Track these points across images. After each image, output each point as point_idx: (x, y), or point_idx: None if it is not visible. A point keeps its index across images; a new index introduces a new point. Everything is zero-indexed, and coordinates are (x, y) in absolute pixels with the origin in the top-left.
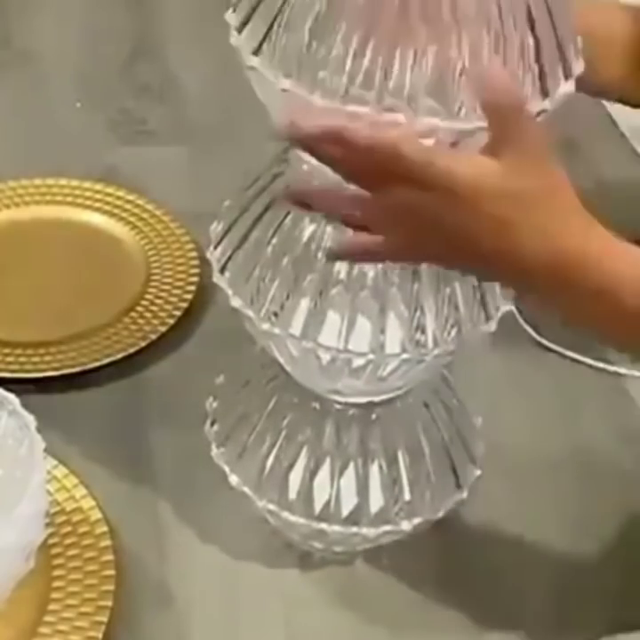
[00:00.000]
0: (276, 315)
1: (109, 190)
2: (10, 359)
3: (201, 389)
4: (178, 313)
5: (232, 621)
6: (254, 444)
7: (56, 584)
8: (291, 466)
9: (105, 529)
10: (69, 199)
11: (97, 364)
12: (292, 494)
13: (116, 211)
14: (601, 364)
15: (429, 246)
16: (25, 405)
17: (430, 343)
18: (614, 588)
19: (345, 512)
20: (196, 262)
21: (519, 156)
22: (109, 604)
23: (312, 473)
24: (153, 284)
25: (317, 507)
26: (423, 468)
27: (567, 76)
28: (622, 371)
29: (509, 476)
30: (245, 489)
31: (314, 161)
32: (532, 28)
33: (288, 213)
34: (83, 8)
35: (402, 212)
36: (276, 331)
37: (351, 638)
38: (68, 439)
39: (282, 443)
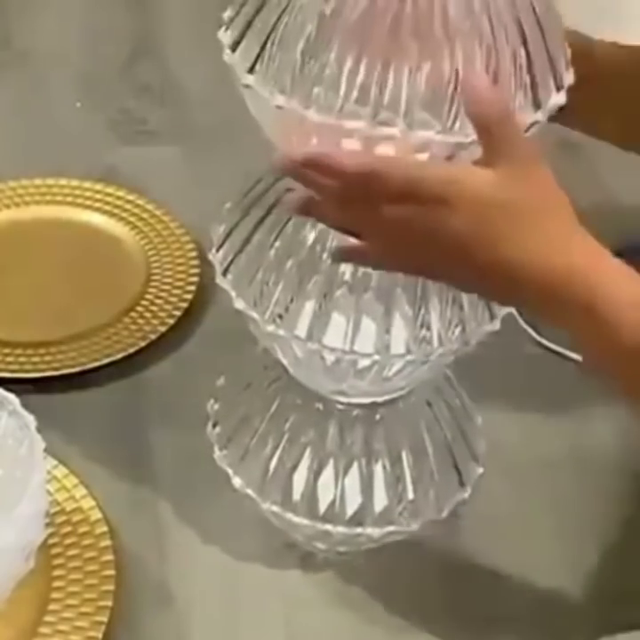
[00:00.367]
0: (280, 317)
1: (109, 190)
2: (10, 359)
3: (201, 389)
4: (178, 313)
5: (232, 621)
6: (257, 445)
7: (56, 584)
8: (294, 467)
9: (105, 529)
10: (69, 199)
11: (97, 363)
12: (296, 495)
13: (116, 211)
14: None
15: (423, 258)
16: (25, 405)
17: (435, 343)
18: (614, 588)
19: (349, 512)
20: (195, 262)
21: (511, 166)
22: (109, 604)
23: (316, 474)
24: (153, 284)
25: (322, 507)
26: (427, 466)
27: (558, 88)
28: None
29: (509, 476)
30: (249, 491)
31: None
32: (524, 41)
33: (291, 217)
34: (83, 8)
35: (393, 228)
36: (282, 332)
37: (351, 638)
38: (68, 439)
39: (285, 444)
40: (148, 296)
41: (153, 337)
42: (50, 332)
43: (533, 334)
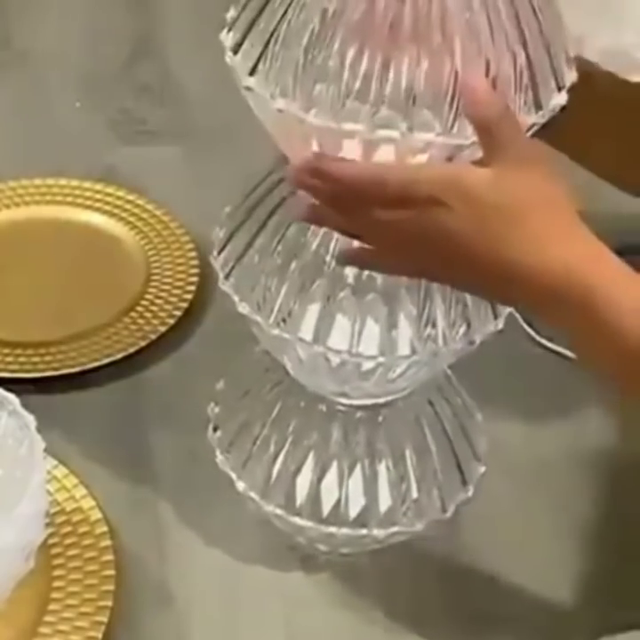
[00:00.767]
0: (284, 320)
1: (109, 190)
2: (10, 359)
3: (201, 389)
4: (178, 313)
5: (232, 621)
6: (260, 449)
7: (56, 584)
8: (297, 470)
9: (105, 529)
10: (69, 199)
11: (97, 363)
12: (300, 498)
13: (116, 211)
14: None
15: (423, 260)
16: (25, 405)
17: (440, 342)
18: (614, 588)
19: (353, 514)
20: (195, 262)
21: (509, 165)
22: (109, 604)
23: (319, 476)
24: (153, 284)
25: (325, 510)
26: (430, 465)
27: (560, 88)
28: None
29: (509, 476)
30: (252, 494)
31: None
32: (523, 40)
33: (293, 219)
34: (83, 8)
35: (392, 231)
36: (287, 336)
37: (351, 638)
38: (68, 439)
39: (288, 447)
40: (147, 296)
41: (153, 337)
42: (50, 332)
43: (533, 334)
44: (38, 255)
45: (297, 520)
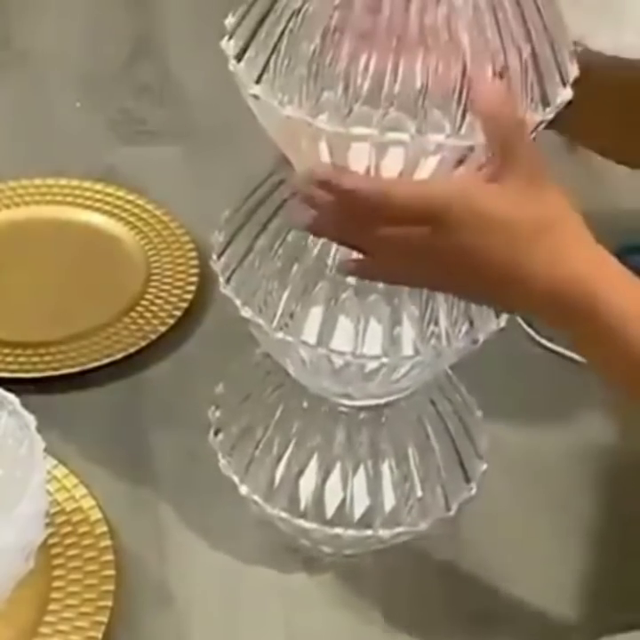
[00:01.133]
0: (286, 324)
1: (109, 190)
2: (10, 359)
3: (201, 389)
4: (178, 313)
5: (232, 622)
6: (263, 452)
7: (56, 584)
8: (301, 472)
9: (105, 529)
10: (69, 199)
11: (97, 363)
12: (304, 500)
13: (115, 211)
14: None
15: (427, 274)
16: (25, 405)
17: (444, 342)
18: (614, 588)
19: (357, 514)
20: (195, 262)
21: (519, 181)
22: (109, 604)
23: (323, 478)
24: (153, 284)
25: (330, 511)
26: (433, 464)
27: (564, 83)
28: None
29: (509, 476)
30: (256, 497)
31: None
32: (529, 38)
33: None
34: (83, 8)
35: (395, 246)
36: (290, 339)
37: (351, 639)
38: (68, 439)
39: (292, 450)
40: (147, 296)
41: (153, 337)
42: (50, 332)
43: (533, 334)
44: (38, 255)
45: (301, 522)
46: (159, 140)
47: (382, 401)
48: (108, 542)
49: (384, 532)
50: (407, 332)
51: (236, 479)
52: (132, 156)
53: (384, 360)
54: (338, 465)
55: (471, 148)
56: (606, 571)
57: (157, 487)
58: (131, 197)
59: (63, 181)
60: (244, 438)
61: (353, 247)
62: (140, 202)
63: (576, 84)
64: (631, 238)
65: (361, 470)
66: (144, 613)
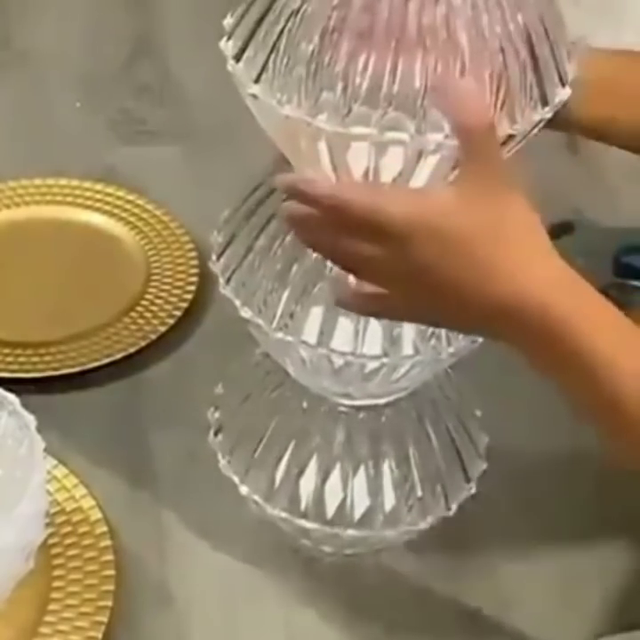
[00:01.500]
0: (286, 324)
1: (109, 190)
2: (10, 359)
3: (201, 389)
4: (178, 313)
5: (232, 622)
6: (263, 452)
7: (56, 584)
8: (301, 472)
9: (105, 529)
10: (69, 199)
11: (97, 363)
12: (304, 501)
13: (115, 211)
14: None
15: (412, 300)
16: (25, 405)
17: (443, 342)
18: (614, 588)
19: (358, 514)
20: (195, 262)
21: (479, 185)
22: (109, 604)
23: (323, 478)
24: (153, 284)
25: (330, 511)
26: (433, 463)
27: (563, 83)
28: None
29: (509, 476)
30: (256, 498)
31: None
32: (528, 37)
33: None
34: (83, 8)
35: (360, 261)
36: (290, 339)
37: (351, 639)
38: (68, 439)
39: (292, 450)
40: (148, 296)
41: (153, 337)
42: (50, 332)
43: None
44: (38, 255)
45: (302, 522)
46: (159, 140)
47: (382, 401)
48: (108, 542)
49: (384, 532)
50: (407, 331)
51: (236, 479)
52: (132, 156)
53: (384, 360)
54: (338, 465)
55: None
56: (607, 570)
57: (157, 487)
58: (131, 197)
59: (63, 181)
60: (244, 438)
61: (330, 260)
62: (140, 202)
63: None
64: (631, 238)
65: (361, 470)
66: (144, 613)
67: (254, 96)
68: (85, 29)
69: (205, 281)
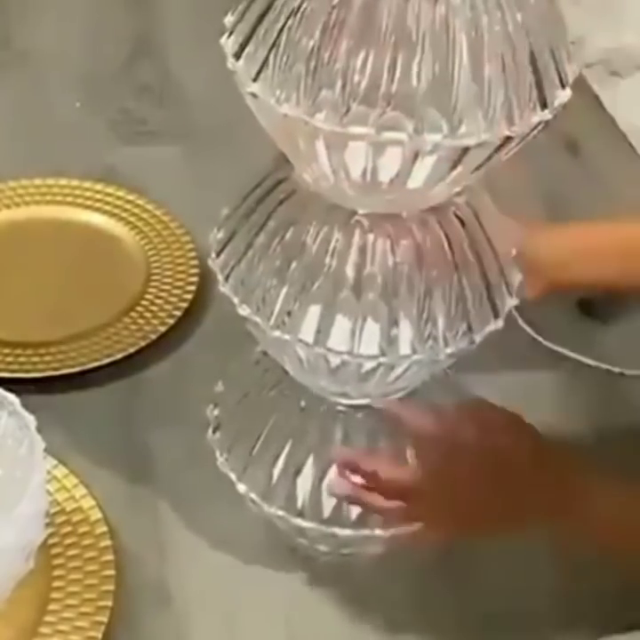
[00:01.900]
0: (284, 322)
1: (109, 190)
2: (10, 359)
3: (201, 389)
4: (178, 313)
5: (232, 621)
6: (260, 451)
7: (56, 584)
8: (298, 471)
9: (105, 529)
10: (69, 199)
11: (97, 363)
12: (301, 499)
13: (116, 211)
14: (601, 364)
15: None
16: (25, 405)
17: (441, 342)
18: (615, 588)
19: (354, 514)
20: (195, 262)
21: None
22: (109, 604)
23: (320, 477)
24: (153, 284)
25: (327, 511)
26: None
27: (563, 84)
28: (622, 371)
29: None
30: (253, 496)
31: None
32: (527, 38)
33: (293, 220)
34: (83, 8)
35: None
36: (287, 337)
37: (351, 638)
38: (68, 439)
39: (289, 448)
40: (148, 296)
41: (153, 337)
42: (50, 332)
43: (533, 334)
44: (38, 255)
45: (298, 521)
46: (159, 140)
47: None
48: (107, 542)
49: (380, 532)
50: (404, 332)
51: (233, 477)
52: (132, 156)
53: (381, 360)
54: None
55: (468, 149)
56: (607, 571)
57: (157, 487)
58: (131, 197)
59: (63, 181)
60: (243, 436)
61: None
62: (139, 202)
63: None
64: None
65: None
66: (144, 613)
67: (253, 94)
68: (85, 29)
69: (205, 281)
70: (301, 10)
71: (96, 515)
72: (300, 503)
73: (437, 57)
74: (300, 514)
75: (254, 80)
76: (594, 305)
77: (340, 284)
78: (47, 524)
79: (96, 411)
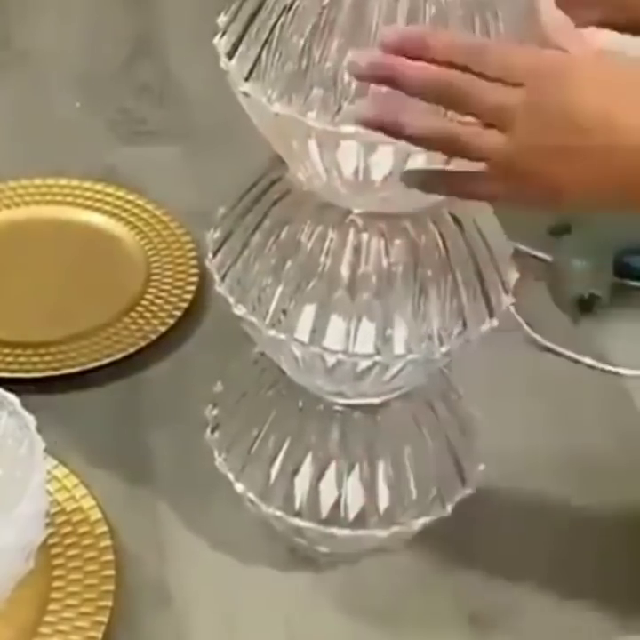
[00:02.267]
0: (279, 321)
1: (109, 190)
2: (10, 359)
3: (201, 389)
4: (178, 313)
5: (232, 621)
6: (258, 450)
7: (56, 584)
8: (296, 471)
9: (105, 529)
10: (69, 199)
11: (97, 363)
12: (299, 499)
13: (115, 211)
14: (601, 364)
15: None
16: (25, 405)
17: (436, 342)
18: (616, 588)
19: (352, 514)
20: (195, 262)
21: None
22: (109, 604)
23: (318, 477)
24: (153, 283)
25: (324, 511)
26: (428, 464)
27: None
28: (622, 371)
29: (508, 477)
30: (251, 496)
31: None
32: (520, 38)
33: (288, 219)
34: (83, 8)
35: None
36: (283, 336)
37: (351, 638)
38: (68, 439)
39: (287, 448)
40: (148, 296)
41: (153, 337)
42: (50, 332)
43: (533, 334)
44: (38, 255)
45: (296, 521)
46: (159, 140)
47: (377, 400)
48: (108, 542)
49: (378, 532)
50: (399, 331)
51: (231, 477)
52: (132, 156)
53: (376, 358)
54: (333, 464)
55: None
56: (607, 571)
57: (157, 487)
58: (131, 197)
59: (63, 181)
60: (240, 436)
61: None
62: (139, 202)
63: None
64: (631, 239)
65: (356, 470)
66: (144, 613)
67: (245, 93)
68: (85, 29)
69: (205, 281)
70: (293, 8)
71: (96, 515)
72: (297, 503)
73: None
74: (298, 514)
75: (246, 79)
76: (594, 305)
77: (334, 283)
78: (47, 524)
79: (96, 411)
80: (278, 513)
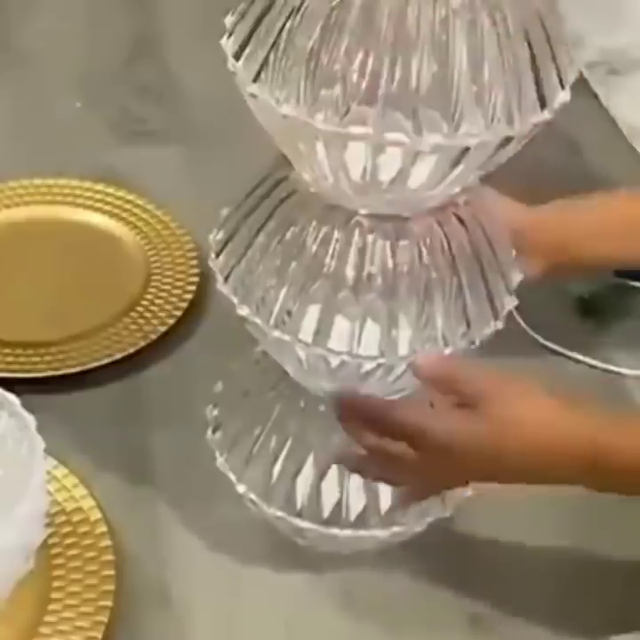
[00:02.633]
0: (283, 322)
1: (109, 190)
2: (10, 359)
3: (201, 389)
4: (178, 313)
5: (232, 621)
6: (260, 451)
7: (56, 584)
8: (298, 471)
9: (105, 529)
10: (69, 199)
11: (97, 363)
12: (300, 500)
13: (115, 211)
14: (601, 364)
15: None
16: (25, 405)
17: (440, 343)
18: (616, 588)
19: (354, 515)
20: (195, 262)
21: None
22: (109, 604)
23: (320, 477)
24: (153, 284)
25: (326, 511)
26: None
27: (563, 85)
28: (622, 371)
29: None
30: (253, 496)
31: (320, 170)
32: (527, 39)
33: (293, 220)
34: (83, 8)
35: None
36: (287, 337)
37: (351, 638)
38: (68, 439)
39: (289, 448)
40: (148, 296)
41: (153, 337)
42: (50, 332)
43: (533, 334)
44: (38, 255)
45: (298, 522)
46: (159, 140)
47: None
48: (108, 542)
49: (380, 533)
50: (404, 332)
51: (232, 477)
52: (132, 156)
53: (380, 360)
54: (334, 465)
55: (467, 149)
56: (607, 571)
57: (157, 487)
58: (131, 197)
59: (63, 181)
60: (242, 437)
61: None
62: (139, 202)
63: None
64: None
65: None
66: (144, 613)
67: (253, 95)
68: (85, 29)
69: (205, 281)
70: (301, 10)
71: (96, 515)
72: (299, 504)
73: (437, 57)
74: (300, 514)
75: (254, 81)
76: (594, 305)
77: (339, 284)
78: (47, 524)
79: (96, 411)
80: (279, 513)
